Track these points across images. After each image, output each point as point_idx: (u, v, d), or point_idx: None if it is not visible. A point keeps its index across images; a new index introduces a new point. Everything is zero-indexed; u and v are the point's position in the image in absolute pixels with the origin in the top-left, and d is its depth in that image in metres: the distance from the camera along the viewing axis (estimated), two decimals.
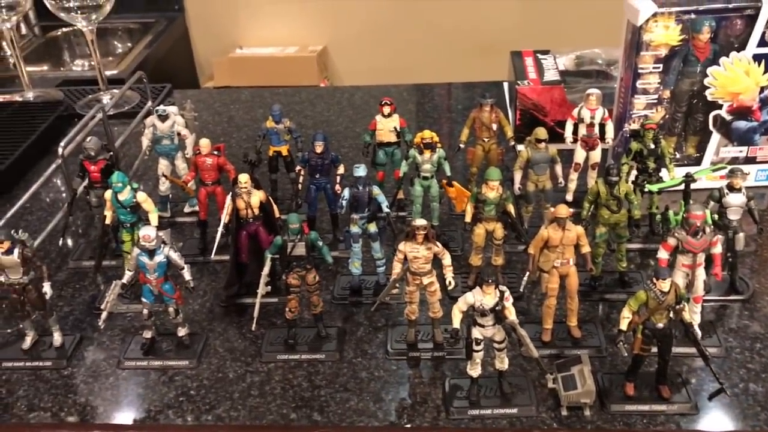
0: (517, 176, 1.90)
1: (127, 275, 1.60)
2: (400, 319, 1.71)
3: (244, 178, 1.70)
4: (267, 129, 2.07)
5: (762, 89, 2.00)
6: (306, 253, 1.58)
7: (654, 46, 1.95)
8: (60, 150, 2.01)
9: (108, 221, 1.79)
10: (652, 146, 1.85)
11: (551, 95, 2.38)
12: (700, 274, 1.55)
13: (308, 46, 4.91)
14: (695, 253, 1.51)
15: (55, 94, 2.98)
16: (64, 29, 4.74)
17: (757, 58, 1.96)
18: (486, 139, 2.03)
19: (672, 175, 1.87)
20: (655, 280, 1.36)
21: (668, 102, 2.05)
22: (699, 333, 1.57)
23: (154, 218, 1.78)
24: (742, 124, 2.05)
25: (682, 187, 1.79)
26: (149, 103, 2.68)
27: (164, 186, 2.10)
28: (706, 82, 2.00)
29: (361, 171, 1.70)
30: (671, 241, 1.52)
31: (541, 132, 1.84)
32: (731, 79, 1.99)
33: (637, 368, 1.46)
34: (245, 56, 4.95)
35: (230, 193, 1.73)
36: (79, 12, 2.71)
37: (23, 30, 4.47)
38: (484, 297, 1.38)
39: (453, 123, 2.66)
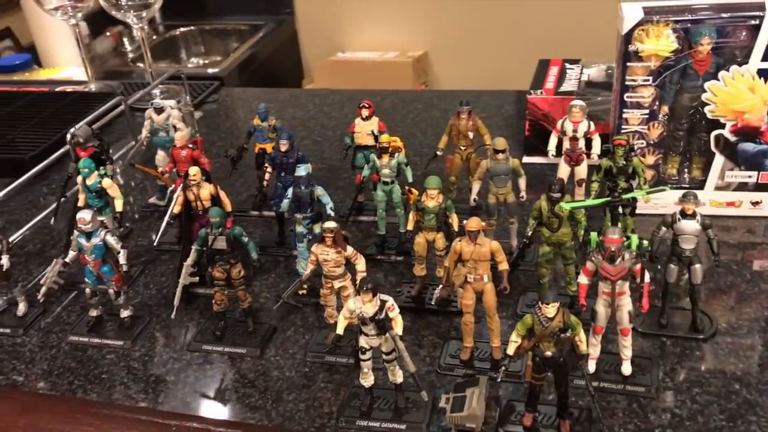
0: (475, 187, 1.81)
1: (70, 255, 1.69)
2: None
3: (193, 170, 1.75)
4: (254, 127, 2.12)
5: None
6: (228, 247, 1.61)
7: (644, 57, 1.80)
8: (68, 136, 2.17)
9: (80, 204, 1.90)
10: (623, 164, 1.70)
11: (563, 106, 2.25)
12: (625, 303, 1.41)
13: (408, 52, 4.95)
14: (612, 280, 1.38)
15: (116, 86, 3.20)
16: (182, 29, 5.12)
17: (762, 73, 1.76)
18: (463, 147, 1.96)
19: (646, 198, 1.72)
20: (540, 304, 1.26)
21: (667, 119, 1.88)
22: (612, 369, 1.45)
23: (119, 204, 1.87)
24: (749, 147, 1.85)
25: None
26: (187, 98, 2.82)
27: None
28: (704, 98, 1.82)
29: (302, 171, 1.70)
30: (589, 266, 1.40)
31: (500, 142, 1.75)
32: (733, 95, 1.79)
33: (535, 398, 1.36)
34: (345, 60, 5.06)
35: (181, 185, 1.79)
36: (131, 11, 2.89)
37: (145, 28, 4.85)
38: (364, 305, 1.34)
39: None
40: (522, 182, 1.79)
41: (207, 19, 5.20)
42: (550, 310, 1.25)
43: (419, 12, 4.76)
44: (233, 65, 4.32)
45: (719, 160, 1.88)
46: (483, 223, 1.45)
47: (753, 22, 1.72)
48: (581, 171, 1.90)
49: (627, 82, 1.84)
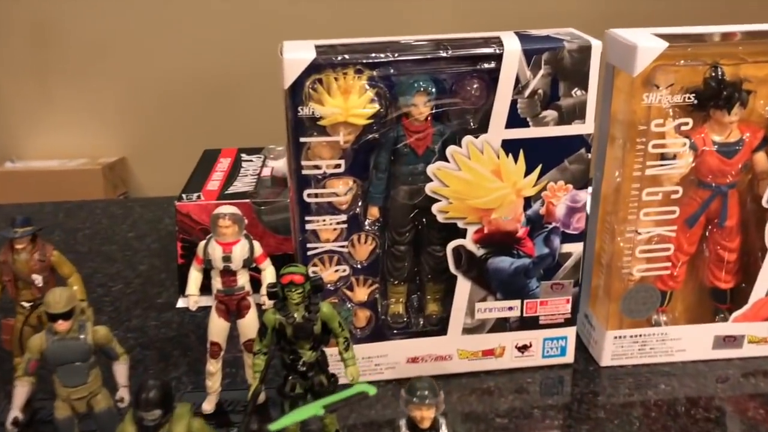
0: (20, 392, 0.91)
1: None
2: None
3: None
4: None
5: (528, 201, 1.14)
6: None
7: (329, 129, 1.07)
8: None
9: None
10: (303, 317, 0.92)
11: None
12: None
13: (99, 158, 4.12)
14: None
15: None
16: None
17: (509, 146, 1.10)
18: (27, 304, 1.06)
19: (353, 376, 0.94)
20: None
21: (378, 227, 1.15)
22: None
23: None
24: (505, 263, 1.17)
25: None
26: None
27: None
28: (429, 189, 1.12)
29: None
30: None
31: (57, 299, 0.87)
32: (472, 184, 1.11)
33: None
34: (16, 170, 4.15)
35: None
36: None
37: None
38: None
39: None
40: (121, 371, 0.92)
41: None
42: None
43: (113, 114, 4.05)
44: None
45: (464, 286, 1.17)
46: None
47: (486, 65, 1.07)
48: (249, 328, 1.09)
49: (305, 171, 1.08)
